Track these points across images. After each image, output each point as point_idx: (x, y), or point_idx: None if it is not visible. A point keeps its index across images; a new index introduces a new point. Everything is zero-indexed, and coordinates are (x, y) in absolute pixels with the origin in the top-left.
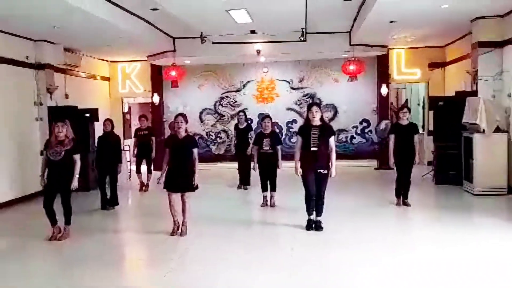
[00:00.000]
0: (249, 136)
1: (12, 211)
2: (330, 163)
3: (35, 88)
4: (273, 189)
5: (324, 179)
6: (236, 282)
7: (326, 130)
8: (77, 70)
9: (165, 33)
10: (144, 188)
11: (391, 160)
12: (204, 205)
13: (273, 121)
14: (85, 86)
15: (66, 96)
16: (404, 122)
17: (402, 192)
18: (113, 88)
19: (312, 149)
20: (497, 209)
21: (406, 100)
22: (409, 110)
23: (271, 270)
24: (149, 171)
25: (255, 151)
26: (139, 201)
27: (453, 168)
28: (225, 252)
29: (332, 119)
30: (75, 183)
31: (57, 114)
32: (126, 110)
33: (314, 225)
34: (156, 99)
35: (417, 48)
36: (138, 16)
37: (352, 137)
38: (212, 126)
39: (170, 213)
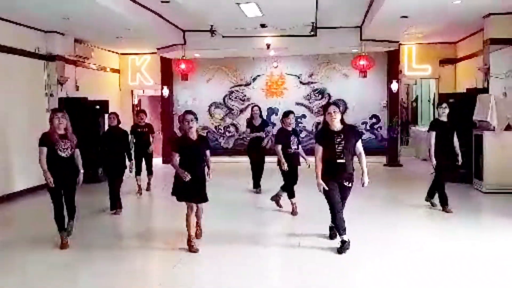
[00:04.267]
0: (265, 133)
1: (27, 200)
2: (361, 171)
3: (46, 80)
4: (292, 195)
5: (348, 193)
6: None
7: (351, 134)
8: (88, 62)
9: (175, 26)
10: (140, 191)
11: (434, 161)
12: (220, 203)
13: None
14: (95, 78)
15: (77, 88)
16: (444, 118)
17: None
18: (123, 81)
19: (339, 161)
20: (507, 207)
21: (417, 97)
22: (449, 105)
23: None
24: (149, 172)
25: (279, 150)
26: (140, 204)
27: (463, 165)
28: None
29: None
30: (81, 179)
31: (68, 105)
32: (136, 102)
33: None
34: (165, 92)
35: (428, 44)
36: (148, 9)
37: (361, 133)
38: (221, 120)
39: (186, 227)
